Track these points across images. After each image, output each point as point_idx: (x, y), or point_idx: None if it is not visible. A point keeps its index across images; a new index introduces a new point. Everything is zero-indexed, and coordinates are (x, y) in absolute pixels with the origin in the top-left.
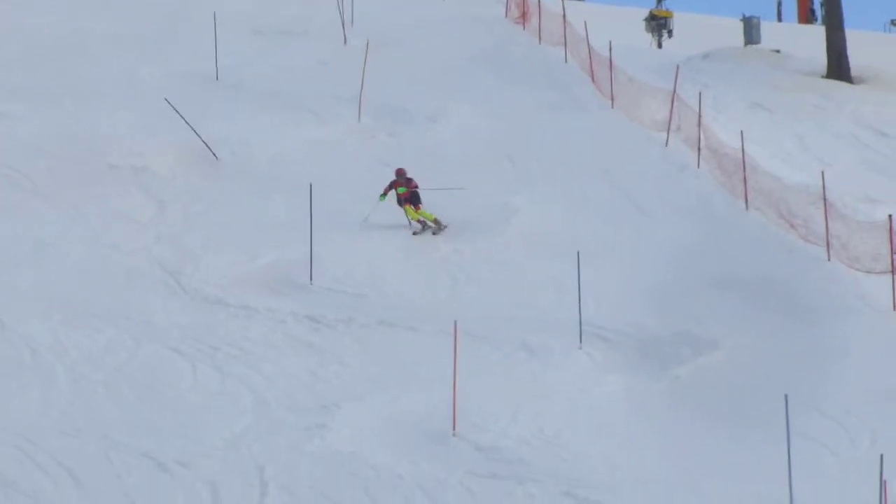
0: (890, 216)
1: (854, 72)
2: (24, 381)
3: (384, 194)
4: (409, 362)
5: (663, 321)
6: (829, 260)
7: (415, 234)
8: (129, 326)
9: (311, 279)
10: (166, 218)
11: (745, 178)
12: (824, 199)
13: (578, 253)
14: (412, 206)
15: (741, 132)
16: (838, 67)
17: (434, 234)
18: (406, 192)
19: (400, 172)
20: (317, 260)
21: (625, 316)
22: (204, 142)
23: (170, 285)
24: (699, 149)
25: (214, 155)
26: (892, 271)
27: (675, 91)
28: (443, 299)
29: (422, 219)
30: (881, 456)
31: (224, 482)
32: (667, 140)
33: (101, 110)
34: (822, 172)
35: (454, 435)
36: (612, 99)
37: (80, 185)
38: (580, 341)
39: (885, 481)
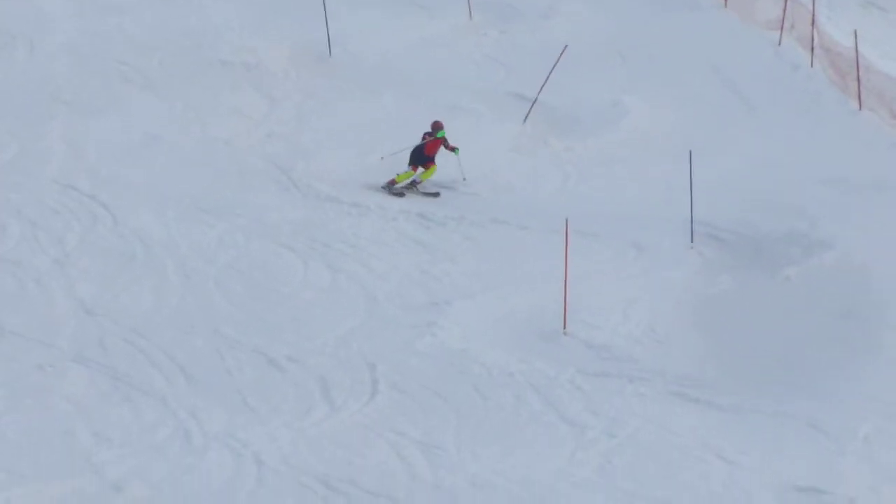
0: None
1: None
2: (136, 276)
3: (454, 149)
4: (520, 260)
5: (775, 221)
6: None
7: (383, 187)
8: (240, 223)
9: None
10: (278, 115)
11: (858, 77)
12: None
13: (690, 152)
14: (425, 167)
15: (855, 31)
16: None
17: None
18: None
19: (437, 125)
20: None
21: (736, 215)
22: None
23: (282, 182)
24: (812, 48)
25: (329, 51)
26: None
27: None
28: (553, 197)
29: (418, 178)
30: None
31: (335, 379)
32: (780, 39)
33: (213, 5)
34: None
35: (565, 333)
36: None
37: (193, 80)
38: (691, 240)
39: None
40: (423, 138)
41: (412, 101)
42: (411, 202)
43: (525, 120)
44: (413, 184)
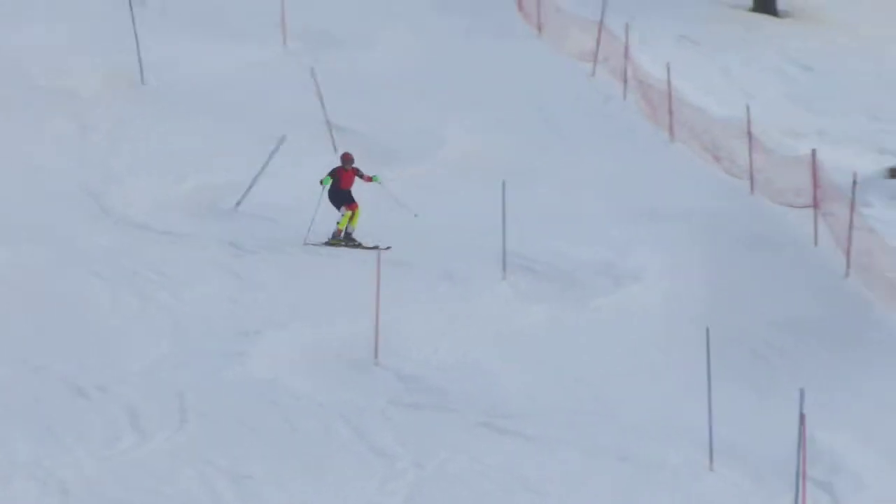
0: (813, 151)
1: (780, 5)
2: None
3: (329, 177)
4: (332, 290)
5: (586, 251)
6: (752, 193)
7: (327, 243)
8: (50, 249)
9: (237, 205)
10: (91, 141)
11: (670, 109)
12: (749, 133)
13: (504, 182)
14: (352, 208)
15: (667, 64)
16: (765, 1)
17: (381, 248)
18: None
19: (347, 158)
20: (242, 185)
21: (548, 245)
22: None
23: (93, 208)
24: (625, 80)
25: (141, 78)
26: (815, 206)
27: (601, 22)
28: (366, 226)
29: (348, 228)
30: (801, 390)
31: (143, 408)
32: (593, 70)
33: (26, 28)
34: (748, 106)
35: (376, 364)
36: (540, 28)
37: (3, 104)
38: (504, 271)
39: (803, 415)
40: (339, 174)
41: (226, 128)
42: (224, 229)
43: (335, 149)
44: (348, 236)
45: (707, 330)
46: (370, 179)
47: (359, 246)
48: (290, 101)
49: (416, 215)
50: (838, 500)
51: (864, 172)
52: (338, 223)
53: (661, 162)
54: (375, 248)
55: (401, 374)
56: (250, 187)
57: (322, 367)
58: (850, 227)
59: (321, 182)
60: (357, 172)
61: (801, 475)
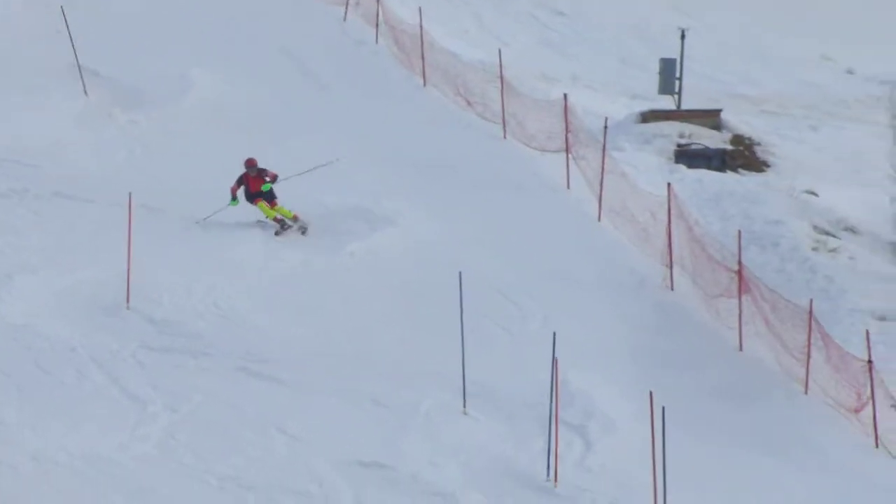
0: (565, 95)
1: None
2: None
3: (234, 198)
4: (84, 234)
5: (340, 198)
6: (505, 138)
7: (277, 234)
8: None
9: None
10: None
11: (423, 55)
12: (501, 78)
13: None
14: (266, 203)
15: (419, 9)
16: None
17: (303, 233)
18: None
19: (251, 163)
20: None
21: (304, 193)
22: None
23: None
24: (377, 24)
25: None
26: (567, 150)
27: None
28: (119, 171)
29: (279, 216)
30: (553, 333)
31: None
32: (345, 15)
33: None
34: (500, 51)
35: (128, 308)
36: None
37: None
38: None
39: (556, 359)
40: (244, 181)
41: None
42: None
43: (86, 93)
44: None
45: (460, 274)
46: (273, 179)
47: (288, 227)
48: (40, 46)
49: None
50: (591, 443)
51: (616, 117)
52: (267, 218)
53: (415, 107)
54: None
55: (153, 319)
56: (217, 211)
57: (75, 311)
58: (602, 171)
59: (262, 188)
60: (263, 173)
61: (553, 418)
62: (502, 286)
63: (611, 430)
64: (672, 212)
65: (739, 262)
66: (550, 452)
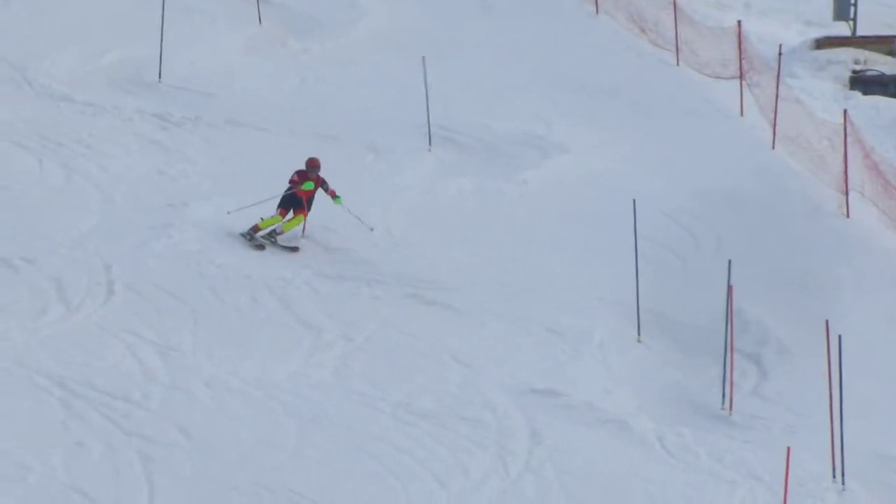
0: (739, 22)
1: None
2: None
3: (306, 181)
4: (257, 161)
5: (512, 123)
6: (678, 65)
7: (245, 236)
8: None
9: (159, 77)
10: (11, 14)
11: None
12: (674, 4)
13: (424, 58)
14: (304, 214)
15: None
16: None
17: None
18: (311, 190)
19: (314, 163)
20: (165, 58)
21: (473, 118)
22: None
23: (15, 80)
24: None
25: None
26: (740, 77)
27: None
28: (291, 99)
29: (280, 228)
30: (728, 261)
31: (70, 279)
32: None
33: None
34: None
35: (303, 236)
36: None
37: None
38: (429, 143)
39: (731, 286)
40: (294, 181)
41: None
42: (149, 102)
43: (261, 20)
44: (273, 234)
45: (633, 202)
46: (333, 195)
47: (273, 244)
48: None
49: (371, 230)
50: (766, 371)
51: (790, 43)
52: (262, 219)
53: (587, 34)
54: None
55: (328, 247)
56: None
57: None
58: (777, 98)
59: (302, 187)
60: (321, 183)
61: (728, 346)
62: (676, 214)
63: (786, 359)
64: (848, 138)
65: None
66: (725, 380)
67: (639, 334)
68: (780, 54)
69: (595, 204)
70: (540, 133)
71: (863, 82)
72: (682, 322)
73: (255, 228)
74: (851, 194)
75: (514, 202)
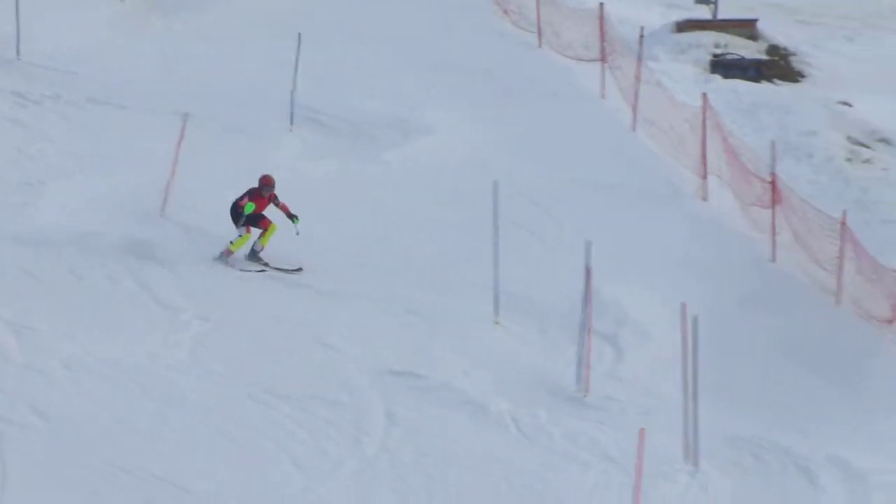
0: (601, 4)
1: None
2: None
3: (249, 202)
4: (119, 141)
5: (377, 105)
6: (540, 47)
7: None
8: None
9: (17, 54)
10: None
11: None
12: None
13: (300, 34)
14: (264, 226)
15: None
16: None
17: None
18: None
19: (267, 181)
20: (26, 35)
21: (339, 99)
22: None
23: None
24: None
25: None
26: (602, 59)
27: None
28: (153, 77)
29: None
30: (587, 243)
31: None
32: None
33: None
34: None
35: (162, 215)
36: None
37: None
38: (291, 122)
39: (589, 269)
40: (254, 198)
41: None
42: (7, 79)
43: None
44: (255, 254)
45: (494, 183)
46: (290, 216)
47: (266, 266)
48: None
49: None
50: (622, 353)
51: (652, 26)
52: (231, 243)
53: (450, 15)
54: (290, 270)
55: (187, 227)
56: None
57: (107, 217)
58: (638, 80)
59: (243, 209)
60: (273, 200)
61: (585, 328)
62: (537, 195)
63: (642, 340)
64: (707, 122)
65: (773, 173)
66: (581, 362)
67: (497, 315)
68: (641, 37)
69: (457, 185)
70: (404, 115)
71: (723, 66)
72: (541, 303)
73: (228, 252)
74: (710, 178)
75: (378, 183)
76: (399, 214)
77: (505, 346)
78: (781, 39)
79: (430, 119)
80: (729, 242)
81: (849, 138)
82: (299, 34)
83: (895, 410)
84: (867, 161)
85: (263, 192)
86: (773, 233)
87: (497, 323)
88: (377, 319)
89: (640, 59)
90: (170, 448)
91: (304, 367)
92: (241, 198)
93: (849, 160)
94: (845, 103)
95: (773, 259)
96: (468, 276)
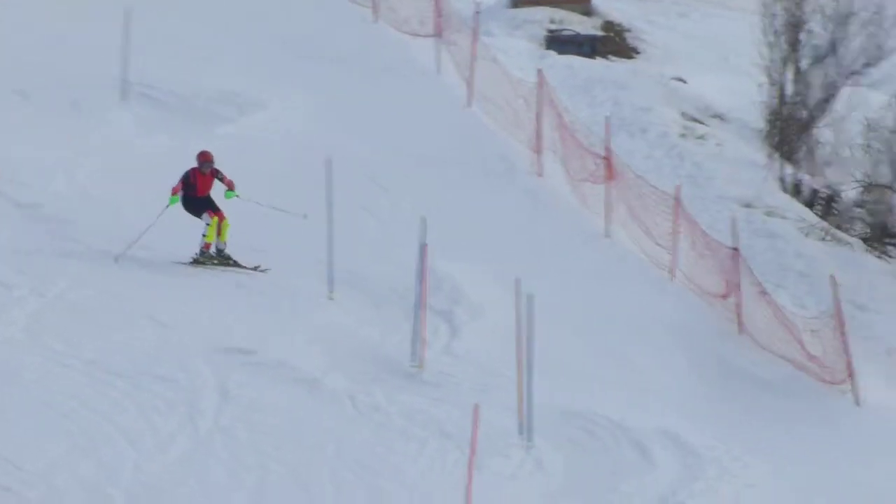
0: None
1: None
2: None
3: (175, 195)
4: None
5: (211, 80)
6: (376, 21)
7: (195, 262)
8: None
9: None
10: None
11: None
12: None
13: (128, 9)
14: (219, 217)
15: None
16: None
17: (260, 270)
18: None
19: (205, 158)
20: None
21: (173, 74)
22: None
23: None
24: None
25: None
26: (437, 34)
27: None
28: None
29: (213, 244)
30: (422, 219)
31: None
32: None
33: None
34: None
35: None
36: None
37: None
38: (121, 97)
39: (424, 245)
40: (192, 179)
41: None
42: None
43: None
44: (221, 254)
45: (329, 161)
46: (230, 186)
47: (235, 264)
48: None
49: (305, 216)
50: (457, 329)
51: (487, 2)
52: (204, 235)
53: None
54: (256, 268)
55: (19, 203)
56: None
57: None
58: (473, 56)
59: (169, 202)
60: (216, 174)
61: (420, 304)
62: (372, 171)
63: (477, 316)
64: (542, 98)
65: (607, 149)
66: (417, 339)
67: (331, 292)
68: (476, 13)
69: (291, 161)
70: (237, 90)
71: (558, 42)
72: (376, 280)
73: (206, 246)
74: (545, 154)
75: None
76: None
77: (340, 323)
78: (616, 15)
79: (263, 95)
80: (564, 218)
81: (683, 114)
82: (126, 9)
83: (727, 385)
84: (701, 137)
85: (203, 168)
86: (608, 209)
87: (332, 299)
88: (211, 296)
89: (475, 34)
90: (3, 424)
91: (137, 343)
92: (178, 182)
93: (683, 136)
94: (679, 79)
95: (607, 235)
96: (303, 253)
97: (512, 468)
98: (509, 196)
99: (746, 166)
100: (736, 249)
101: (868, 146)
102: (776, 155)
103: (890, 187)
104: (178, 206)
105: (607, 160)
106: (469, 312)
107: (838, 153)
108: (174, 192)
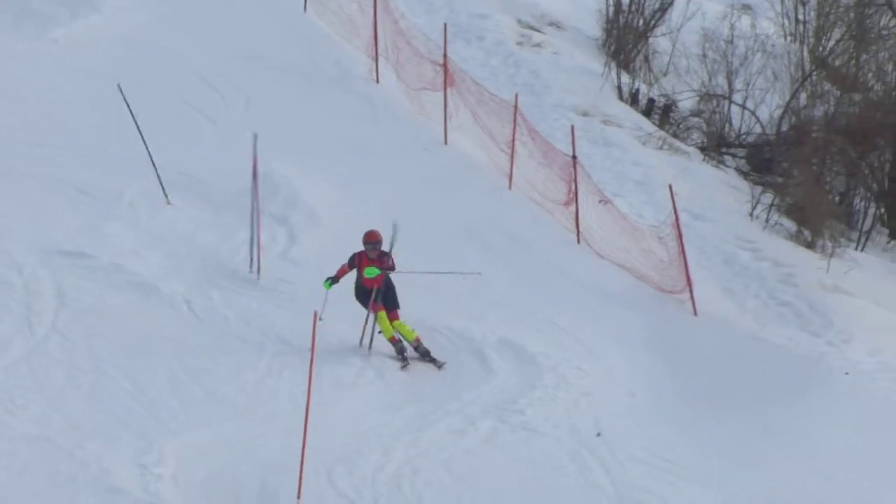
0: None
1: None
2: None
3: (336, 279)
4: None
5: None
6: None
7: (403, 368)
8: None
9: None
10: None
11: None
12: None
13: None
14: (386, 311)
15: None
16: None
17: (439, 367)
18: (378, 276)
19: (373, 238)
20: None
21: None
22: None
23: None
24: None
25: None
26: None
27: None
28: None
29: (397, 335)
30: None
31: None
32: None
33: None
34: None
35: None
36: None
37: None
38: None
39: (255, 158)
40: (358, 263)
41: None
42: None
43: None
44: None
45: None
46: (390, 267)
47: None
48: None
49: (479, 273)
50: (294, 235)
51: None
52: (380, 332)
53: None
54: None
55: None
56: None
57: None
58: None
59: (326, 283)
60: (382, 258)
61: (255, 212)
62: (206, 73)
63: (314, 223)
64: (378, 4)
65: (445, 56)
66: (253, 244)
67: (167, 196)
68: None
69: (128, 64)
70: None
71: None
72: (213, 184)
73: (396, 341)
74: (381, 60)
75: (46, 62)
76: (70, 94)
77: (177, 227)
78: None
79: None
80: (402, 125)
81: (519, 21)
82: None
83: (566, 295)
84: (538, 45)
85: (369, 252)
86: (446, 115)
87: (168, 203)
88: (48, 199)
89: None
90: None
91: None
92: (346, 264)
93: (520, 44)
94: None
95: (446, 142)
96: (138, 156)
97: (352, 376)
98: (347, 102)
99: (583, 75)
100: (574, 158)
101: (704, 56)
102: (613, 64)
103: (726, 97)
104: None
105: (445, 67)
106: (306, 218)
107: (675, 63)
108: (339, 276)
